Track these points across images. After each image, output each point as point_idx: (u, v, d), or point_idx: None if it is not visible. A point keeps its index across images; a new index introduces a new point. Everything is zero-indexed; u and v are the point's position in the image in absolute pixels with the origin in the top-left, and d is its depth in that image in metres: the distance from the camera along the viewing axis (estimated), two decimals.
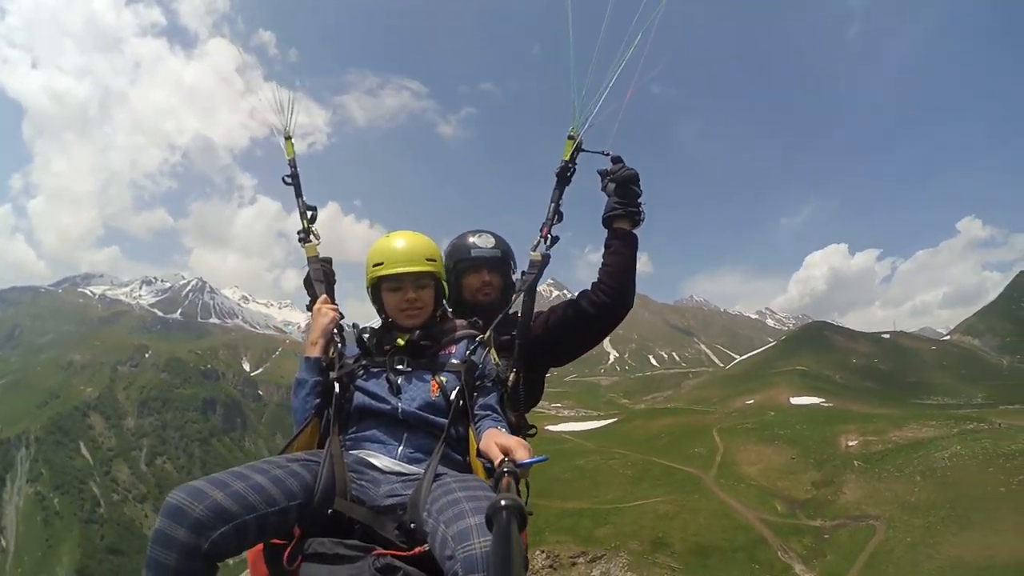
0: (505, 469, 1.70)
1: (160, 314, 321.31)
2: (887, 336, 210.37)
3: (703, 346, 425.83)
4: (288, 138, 3.39)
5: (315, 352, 2.68)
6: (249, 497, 1.93)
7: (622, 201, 2.94)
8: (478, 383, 2.55)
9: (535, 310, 3.05)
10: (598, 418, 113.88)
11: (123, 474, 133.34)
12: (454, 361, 2.60)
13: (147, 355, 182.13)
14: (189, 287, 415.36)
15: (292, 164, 3.32)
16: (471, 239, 3.20)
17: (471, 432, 2.39)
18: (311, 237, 3.15)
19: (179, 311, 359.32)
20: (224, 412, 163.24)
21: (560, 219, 3.02)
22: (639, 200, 2.97)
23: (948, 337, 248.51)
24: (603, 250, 3.01)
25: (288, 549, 2.00)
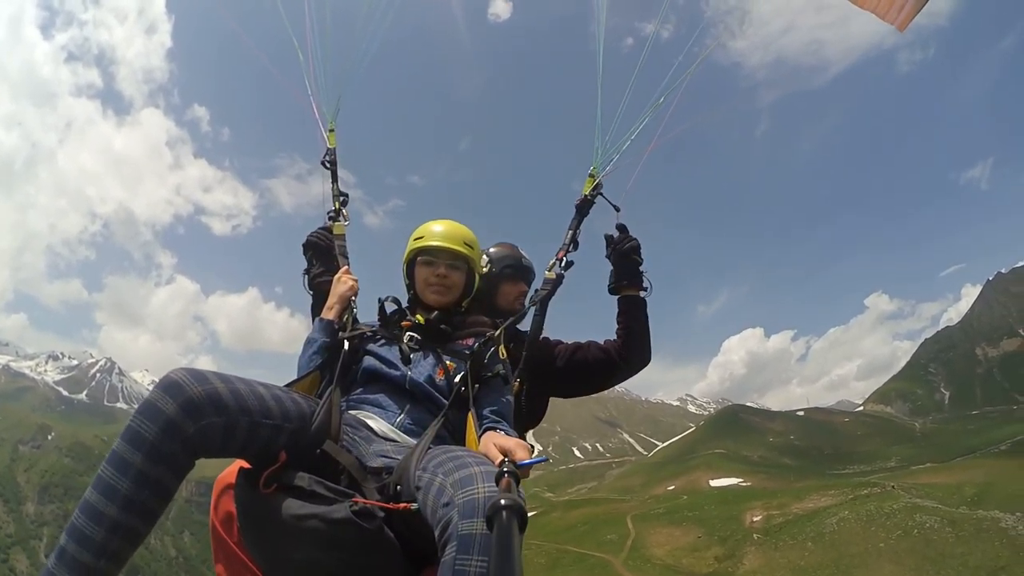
0: (505, 469, 1.56)
1: (65, 393, 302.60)
2: (802, 413, 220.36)
3: (626, 435, 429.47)
4: (332, 130, 3.70)
5: (329, 315, 2.74)
6: (248, 400, 1.88)
7: (622, 273, 3.20)
8: (483, 375, 2.54)
9: (554, 338, 3.26)
10: None
11: (22, 564, 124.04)
12: (466, 352, 2.62)
13: (50, 436, 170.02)
14: (97, 367, 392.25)
15: (333, 153, 3.61)
16: (519, 252, 3.38)
17: (470, 419, 2.34)
18: (340, 217, 3.34)
19: (85, 392, 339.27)
20: None
21: (576, 247, 3.19)
22: (640, 269, 3.21)
23: (861, 408, 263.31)
24: (617, 316, 3.20)
25: (269, 470, 1.90)
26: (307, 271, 3.26)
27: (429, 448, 2.07)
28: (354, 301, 2.86)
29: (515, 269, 3.33)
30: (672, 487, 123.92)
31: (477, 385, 2.51)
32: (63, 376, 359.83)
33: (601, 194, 3.29)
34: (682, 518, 74.28)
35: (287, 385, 2.32)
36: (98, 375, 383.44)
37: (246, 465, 2.01)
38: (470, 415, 2.37)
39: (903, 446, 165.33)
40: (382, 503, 1.90)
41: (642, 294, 3.22)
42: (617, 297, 3.23)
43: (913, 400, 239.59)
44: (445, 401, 2.44)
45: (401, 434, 2.30)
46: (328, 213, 3.40)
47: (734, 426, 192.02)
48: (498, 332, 2.75)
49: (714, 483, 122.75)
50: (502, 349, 2.73)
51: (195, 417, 1.74)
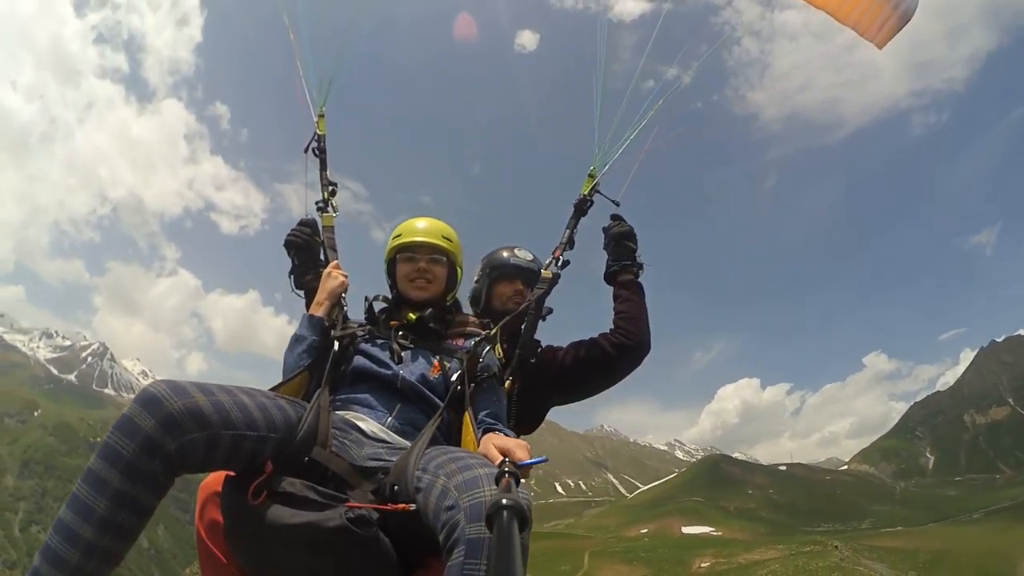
0: (506, 469, 1.52)
1: (55, 372, 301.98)
2: (784, 468, 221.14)
3: (610, 475, 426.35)
4: (321, 116, 3.50)
5: (319, 312, 2.63)
6: (231, 413, 1.78)
7: (616, 258, 3.15)
8: (479, 375, 2.48)
9: (548, 343, 3.18)
10: None
11: None
12: (460, 351, 2.57)
13: (36, 413, 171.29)
14: (89, 350, 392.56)
15: (322, 140, 3.43)
16: (510, 251, 3.32)
17: (467, 420, 2.30)
18: (329, 208, 3.19)
19: (75, 373, 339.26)
20: None
21: (572, 247, 3.13)
22: (635, 254, 3.15)
23: (845, 467, 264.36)
24: (613, 303, 3.11)
25: (256, 482, 1.80)
26: (292, 272, 3.13)
27: (427, 448, 2.01)
28: (344, 298, 2.77)
29: (503, 269, 3.29)
30: (645, 530, 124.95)
31: (473, 385, 2.47)
32: (55, 355, 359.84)
33: (599, 191, 3.27)
34: (634, 557, 77.30)
35: (274, 388, 2.26)
36: (89, 358, 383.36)
37: (231, 473, 1.94)
38: (467, 415, 2.33)
39: (881, 507, 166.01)
40: (378, 504, 1.84)
41: (639, 280, 3.19)
42: (613, 284, 3.19)
43: (898, 462, 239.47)
44: (438, 400, 2.39)
45: (392, 435, 2.23)
46: (316, 203, 3.24)
47: (715, 476, 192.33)
48: (494, 331, 2.73)
49: (686, 530, 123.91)
50: (498, 348, 2.75)
51: (175, 433, 1.64)
